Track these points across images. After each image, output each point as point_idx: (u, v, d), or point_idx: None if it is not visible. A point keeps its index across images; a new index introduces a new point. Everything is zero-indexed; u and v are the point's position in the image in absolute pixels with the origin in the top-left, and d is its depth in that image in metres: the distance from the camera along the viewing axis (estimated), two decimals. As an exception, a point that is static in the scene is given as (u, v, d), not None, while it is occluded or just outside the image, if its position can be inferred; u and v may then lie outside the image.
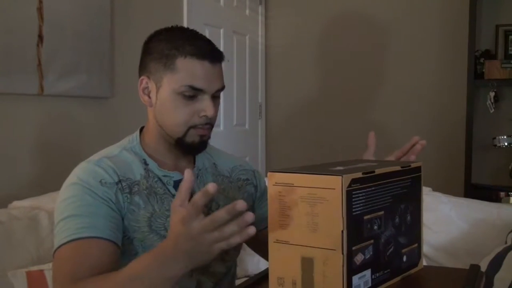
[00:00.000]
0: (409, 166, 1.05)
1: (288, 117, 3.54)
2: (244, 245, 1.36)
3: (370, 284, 0.92)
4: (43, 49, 1.94)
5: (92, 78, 2.18)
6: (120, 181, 1.13)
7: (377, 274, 0.94)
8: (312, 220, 0.87)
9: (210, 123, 1.18)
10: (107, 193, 1.11)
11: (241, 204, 0.85)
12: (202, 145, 1.19)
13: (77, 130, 2.16)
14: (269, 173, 0.92)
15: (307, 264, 0.89)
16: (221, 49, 2.98)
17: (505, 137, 2.76)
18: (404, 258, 1.03)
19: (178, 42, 1.15)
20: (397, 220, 0.99)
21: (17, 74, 1.86)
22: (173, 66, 1.14)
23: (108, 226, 1.08)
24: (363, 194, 0.89)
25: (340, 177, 0.84)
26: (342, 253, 0.85)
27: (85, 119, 2.20)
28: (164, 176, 1.19)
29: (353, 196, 0.86)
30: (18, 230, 1.57)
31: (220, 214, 0.86)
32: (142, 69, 1.20)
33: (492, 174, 2.99)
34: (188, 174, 0.92)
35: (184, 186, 0.92)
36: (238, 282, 1.18)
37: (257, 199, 1.37)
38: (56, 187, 1.87)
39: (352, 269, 0.87)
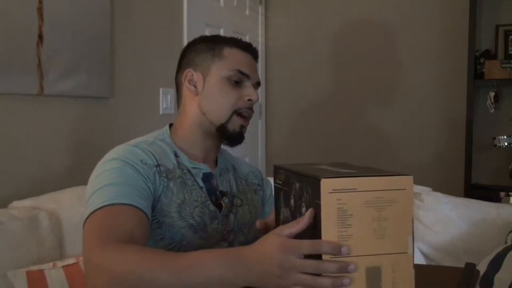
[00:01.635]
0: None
1: (288, 117, 3.54)
2: None
3: None
4: (43, 49, 1.94)
5: (92, 78, 2.18)
6: (159, 164, 1.18)
7: None
8: (380, 226, 0.82)
9: (252, 109, 1.27)
10: (147, 172, 1.14)
11: (345, 249, 0.80)
12: (240, 136, 1.27)
13: (77, 130, 2.16)
14: (323, 180, 0.81)
15: (373, 274, 0.83)
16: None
17: (505, 137, 2.76)
18: None
19: (222, 38, 1.31)
20: None
21: (17, 74, 1.86)
22: (221, 54, 1.26)
23: (143, 198, 1.10)
24: None
25: (411, 176, 0.82)
26: (412, 256, 0.83)
27: (85, 119, 2.20)
28: (194, 168, 1.24)
29: None
30: (18, 230, 1.57)
31: (331, 266, 0.80)
32: (185, 64, 1.30)
33: (492, 174, 2.99)
34: (309, 214, 0.85)
35: (303, 223, 0.85)
36: None
37: (266, 203, 1.42)
38: (57, 187, 1.88)
39: None
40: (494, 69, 2.80)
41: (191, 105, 1.27)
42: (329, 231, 0.82)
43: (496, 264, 1.57)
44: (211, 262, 0.88)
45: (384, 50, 3.25)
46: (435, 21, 3.12)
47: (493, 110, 2.89)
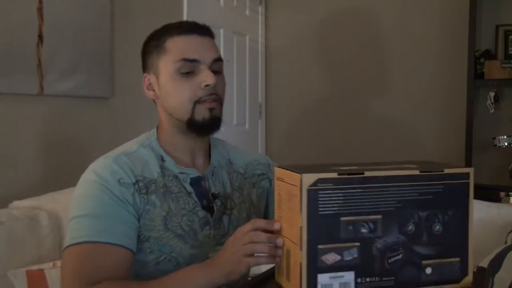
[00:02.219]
0: (442, 171, 0.99)
1: (288, 117, 3.54)
2: None
3: (352, 287, 0.91)
4: (43, 49, 1.94)
5: (92, 78, 2.18)
6: (137, 181, 1.13)
7: (368, 279, 0.92)
8: (290, 215, 0.92)
9: (215, 94, 1.16)
10: (125, 194, 1.10)
11: (277, 225, 0.96)
12: (213, 121, 1.17)
13: (77, 130, 2.16)
14: (275, 168, 0.99)
15: (288, 255, 0.94)
16: (221, 49, 2.97)
17: (505, 137, 2.76)
18: (428, 270, 0.97)
19: (165, 30, 1.20)
20: (410, 227, 0.95)
21: (17, 74, 1.86)
22: (164, 49, 1.17)
23: (125, 232, 1.08)
24: (340, 194, 0.89)
25: (300, 175, 0.87)
26: (301, 249, 0.88)
27: (85, 119, 2.20)
28: (181, 173, 1.19)
29: (320, 195, 0.88)
30: (18, 230, 1.57)
31: (262, 235, 0.97)
32: (144, 70, 1.25)
33: (492, 174, 2.99)
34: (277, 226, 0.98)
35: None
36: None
37: (271, 194, 1.35)
38: (56, 187, 1.88)
39: (316, 267, 0.89)
40: (494, 69, 2.80)
41: (160, 109, 1.23)
42: (276, 210, 1.00)
43: (496, 264, 1.57)
44: (192, 275, 1.00)
45: (384, 50, 3.25)
46: (435, 21, 3.12)
47: (493, 110, 2.89)
